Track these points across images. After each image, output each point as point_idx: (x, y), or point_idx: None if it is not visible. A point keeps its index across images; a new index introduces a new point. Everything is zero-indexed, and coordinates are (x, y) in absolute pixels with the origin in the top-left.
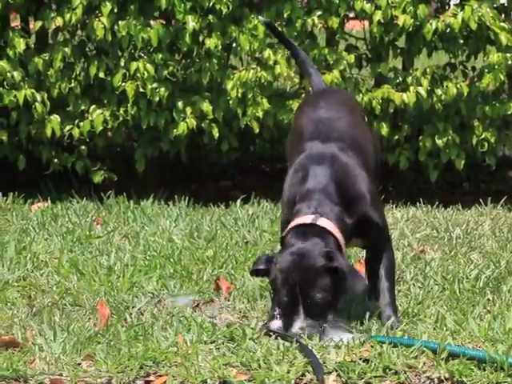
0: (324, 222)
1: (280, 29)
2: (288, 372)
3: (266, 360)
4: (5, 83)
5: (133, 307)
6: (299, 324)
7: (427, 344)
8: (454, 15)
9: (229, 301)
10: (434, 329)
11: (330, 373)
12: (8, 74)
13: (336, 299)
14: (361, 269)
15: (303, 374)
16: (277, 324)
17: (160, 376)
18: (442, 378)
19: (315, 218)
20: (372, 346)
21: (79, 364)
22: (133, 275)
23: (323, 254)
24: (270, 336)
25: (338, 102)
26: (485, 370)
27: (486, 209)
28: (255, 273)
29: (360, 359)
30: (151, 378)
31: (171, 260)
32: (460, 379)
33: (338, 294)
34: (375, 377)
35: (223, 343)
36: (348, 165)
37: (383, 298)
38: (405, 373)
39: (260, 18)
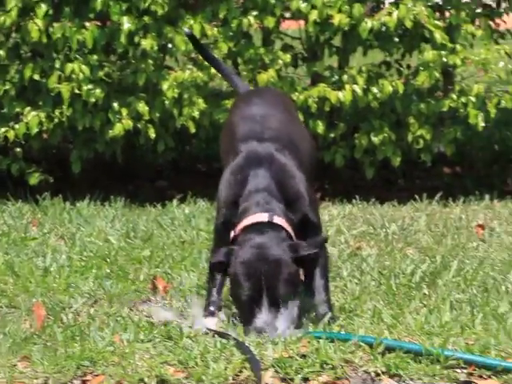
0: (279, 220)
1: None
2: (225, 369)
3: (203, 358)
4: None
5: (69, 308)
6: (264, 317)
7: (364, 338)
8: (390, 14)
9: (166, 300)
10: (371, 323)
11: (267, 369)
12: None
13: (297, 291)
14: None
15: (240, 371)
16: (212, 321)
17: (97, 376)
18: (379, 371)
19: (270, 215)
20: (309, 342)
21: (15, 365)
22: (69, 276)
23: (289, 247)
24: (207, 334)
25: (272, 100)
26: (421, 363)
27: (422, 205)
28: (217, 266)
29: (297, 355)
30: (88, 377)
31: (107, 260)
32: (397, 372)
33: (298, 286)
34: (312, 372)
35: (160, 342)
36: (286, 165)
37: (319, 295)
38: (342, 367)
39: (185, 29)
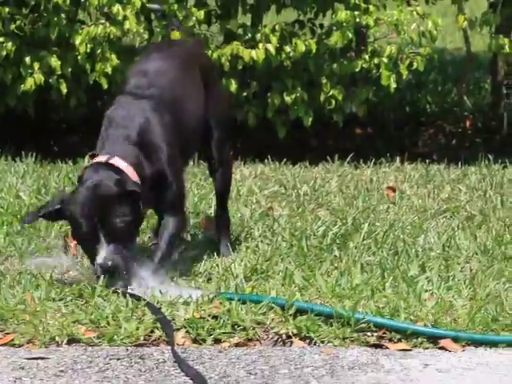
0: (117, 161)
1: None
2: (137, 329)
3: (115, 317)
4: None
5: None
6: (103, 253)
7: (275, 300)
8: None
9: (77, 258)
10: (283, 285)
11: (178, 329)
12: None
13: (135, 224)
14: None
15: (152, 331)
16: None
17: (8, 334)
18: (290, 333)
19: (110, 157)
20: (221, 303)
21: None
22: None
23: (115, 182)
24: (118, 293)
25: (173, 55)
26: (332, 326)
27: (334, 166)
28: (48, 215)
29: (209, 316)
30: None
31: (18, 217)
32: (308, 335)
33: (135, 219)
34: (224, 333)
35: (72, 300)
36: (152, 124)
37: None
38: (253, 329)
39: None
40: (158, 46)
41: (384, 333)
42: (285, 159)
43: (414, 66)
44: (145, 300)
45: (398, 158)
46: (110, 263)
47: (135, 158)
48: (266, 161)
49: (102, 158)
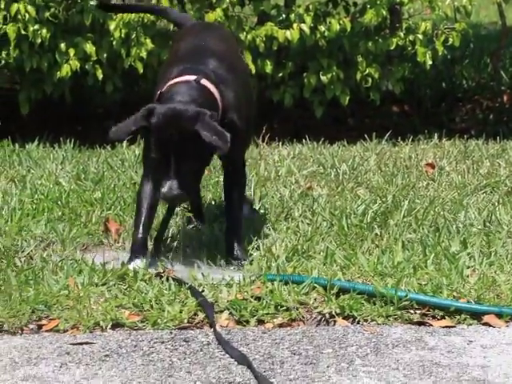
0: (206, 82)
1: None
2: (180, 312)
3: (158, 301)
4: None
5: (22, 251)
6: (170, 184)
7: (317, 280)
8: None
9: (118, 242)
10: (324, 264)
11: (222, 311)
12: None
13: (205, 164)
14: None
15: (196, 314)
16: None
17: (52, 320)
18: (333, 313)
19: (199, 77)
20: (263, 283)
21: None
22: (21, 219)
23: (196, 114)
24: (161, 277)
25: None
26: (375, 304)
27: (371, 144)
28: (136, 132)
29: (252, 297)
30: (43, 321)
31: (59, 203)
32: (351, 313)
33: (208, 158)
34: (267, 314)
35: (115, 285)
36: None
37: (231, 234)
38: (297, 309)
39: (90, 2)
40: (206, 25)
41: (427, 310)
42: (322, 139)
43: (450, 42)
44: (187, 283)
45: (435, 135)
46: (173, 194)
47: (220, 83)
48: (303, 141)
49: (190, 78)
